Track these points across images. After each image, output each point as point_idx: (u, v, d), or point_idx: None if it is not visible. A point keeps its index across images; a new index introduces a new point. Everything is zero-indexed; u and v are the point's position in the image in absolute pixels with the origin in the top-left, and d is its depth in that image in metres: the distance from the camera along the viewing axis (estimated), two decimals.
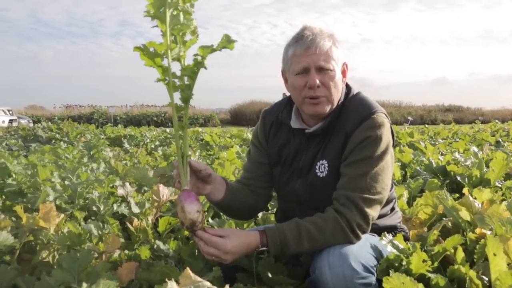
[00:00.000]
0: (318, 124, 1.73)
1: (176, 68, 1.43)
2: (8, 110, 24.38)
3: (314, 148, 1.74)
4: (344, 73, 1.73)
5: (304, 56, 1.64)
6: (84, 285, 0.91)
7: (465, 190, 2.26)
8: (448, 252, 1.70)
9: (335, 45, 1.67)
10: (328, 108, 1.69)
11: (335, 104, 1.71)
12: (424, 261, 1.54)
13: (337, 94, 1.70)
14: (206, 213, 2.57)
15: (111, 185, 2.99)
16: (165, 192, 2.22)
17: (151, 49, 1.35)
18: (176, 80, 1.41)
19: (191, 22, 1.38)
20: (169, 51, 1.36)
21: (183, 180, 1.51)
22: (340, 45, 1.70)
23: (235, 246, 1.49)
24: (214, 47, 1.39)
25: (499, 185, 3.33)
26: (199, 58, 1.40)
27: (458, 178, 3.57)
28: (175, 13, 1.36)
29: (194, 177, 1.61)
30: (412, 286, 1.36)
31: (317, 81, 1.63)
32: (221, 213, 2.18)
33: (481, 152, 5.16)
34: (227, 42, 1.39)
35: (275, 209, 2.15)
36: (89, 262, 1.47)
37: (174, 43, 1.39)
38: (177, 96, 1.43)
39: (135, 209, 2.24)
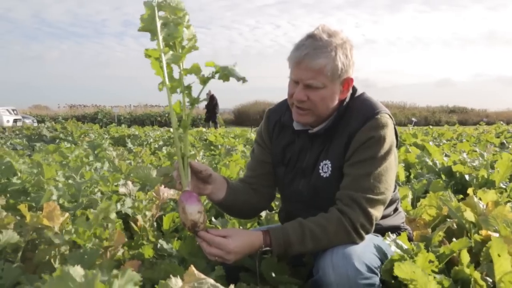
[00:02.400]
0: (322, 125, 1.72)
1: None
2: (13, 110, 24.47)
3: (317, 148, 1.74)
4: (345, 86, 1.66)
5: (295, 69, 1.63)
6: (114, 271, 0.93)
7: (469, 191, 2.25)
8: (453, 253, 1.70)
9: (339, 59, 1.58)
10: (313, 119, 1.69)
11: (323, 117, 1.69)
12: (430, 261, 1.53)
13: (325, 109, 1.66)
14: (208, 212, 2.57)
15: (115, 184, 2.99)
16: (167, 191, 2.24)
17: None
18: (176, 84, 1.49)
19: (181, 32, 1.47)
20: (163, 56, 1.45)
21: (184, 182, 1.52)
22: (351, 54, 1.62)
23: (237, 246, 1.49)
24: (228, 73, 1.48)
25: (504, 187, 3.31)
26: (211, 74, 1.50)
27: (465, 178, 3.56)
28: (165, 25, 1.46)
29: (195, 178, 1.62)
30: (422, 276, 1.35)
31: (303, 97, 1.62)
32: (224, 213, 2.18)
33: (486, 154, 5.13)
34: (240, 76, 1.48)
35: (278, 209, 2.14)
36: (95, 260, 1.48)
37: (167, 48, 1.48)
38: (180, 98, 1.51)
39: (129, 204, 2.26)
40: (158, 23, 1.45)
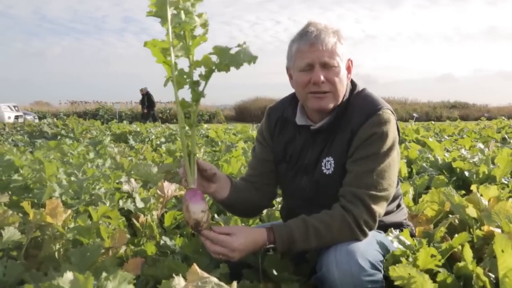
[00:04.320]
0: (323, 120, 1.72)
1: (185, 64, 1.44)
2: (14, 106, 24.47)
3: (319, 144, 1.74)
4: (349, 69, 1.72)
5: (309, 52, 1.63)
6: (104, 274, 0.92)
7: (473, 187, 2.25)
8: (455, 249, 1.69)
9: (340, 41, 1.66)
10: (332, 104, 1.68)
11: (340, 100, 1.70)
12: (432, 256, 1.53)
13: (343, 90, 1.69)
14: (210, 209, 2.57)
15: (117, 181, 2.99)
16: (170, 188, 2.23)
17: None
18: (185, 77, 1.42)
19: (193, 20, 1.40)
20: (172, 48, 1.38)
21: (190, 179, 1.51)
22: (345, 41, 1.69)
23: (241, 243, 1.49)
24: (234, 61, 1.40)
25: (505, 182, 3.31)
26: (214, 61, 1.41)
27: (465, 175, 3.55)
28: (176, 12, 1.39)
29: (199, 176, 1.61)
30: (418, 276, 1.35)
31: (322, 77, 1.62)
32: (226, 211, 2.18)
33: (487, 149, 5.12)
34: (249, 57, 1.40)
35: (279, 206, 2.14)
36: (97, 257, 1.48)
37: (177, 40, 1.40)
38: (187, 93, 1.45)
39: (140, 204, 2.25)
40: (169, 10, 1.37)
